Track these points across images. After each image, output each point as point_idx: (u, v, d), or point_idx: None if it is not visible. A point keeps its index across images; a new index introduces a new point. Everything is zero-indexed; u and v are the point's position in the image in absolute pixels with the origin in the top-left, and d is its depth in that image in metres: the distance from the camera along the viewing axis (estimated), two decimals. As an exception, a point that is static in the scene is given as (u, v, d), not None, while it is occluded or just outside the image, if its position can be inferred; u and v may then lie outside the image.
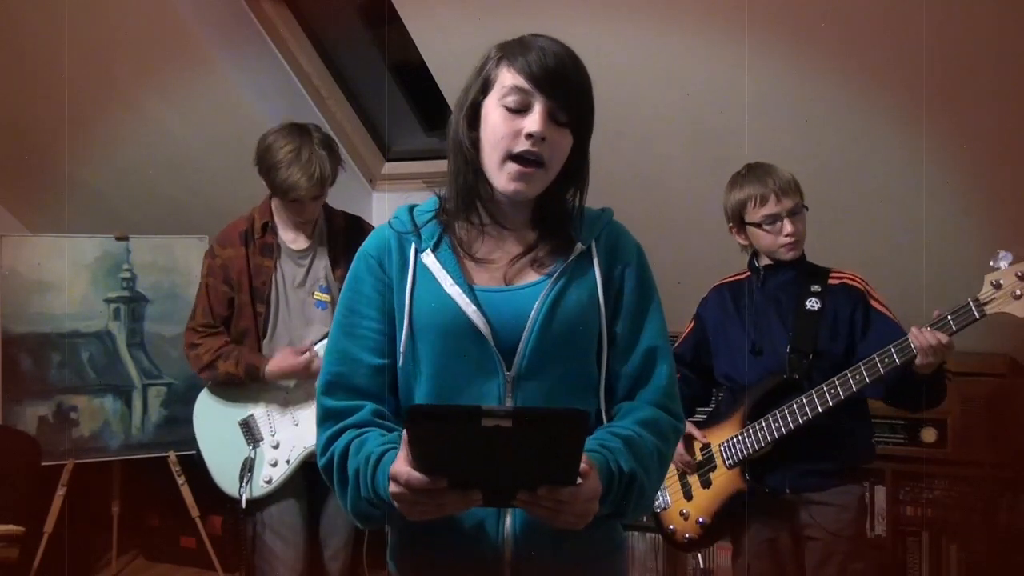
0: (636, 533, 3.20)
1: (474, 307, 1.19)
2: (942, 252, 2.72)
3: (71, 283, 3.34)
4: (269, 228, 2.40)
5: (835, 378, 1.97)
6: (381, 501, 1.12)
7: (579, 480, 1.04)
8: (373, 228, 2.56)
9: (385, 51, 3.42)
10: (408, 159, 3.71)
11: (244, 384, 2.39)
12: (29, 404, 3.25)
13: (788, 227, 2.06)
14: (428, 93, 3.15)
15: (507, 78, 1.18)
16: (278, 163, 2.27)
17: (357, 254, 1.29)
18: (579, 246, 1.24)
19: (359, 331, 1.25)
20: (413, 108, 3.58)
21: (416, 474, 1.02)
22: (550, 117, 1.17)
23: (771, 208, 2.06)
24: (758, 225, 2.08)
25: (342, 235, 2.45)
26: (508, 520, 1.19)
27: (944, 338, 1.83)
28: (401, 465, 1.03)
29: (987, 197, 2.60)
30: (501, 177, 1.19)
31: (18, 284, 3.28)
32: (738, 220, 2.13)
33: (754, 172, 2.12)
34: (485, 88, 1.21)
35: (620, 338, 1.26)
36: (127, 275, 3.41)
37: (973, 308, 1.84)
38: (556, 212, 1.26)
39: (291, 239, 2.42)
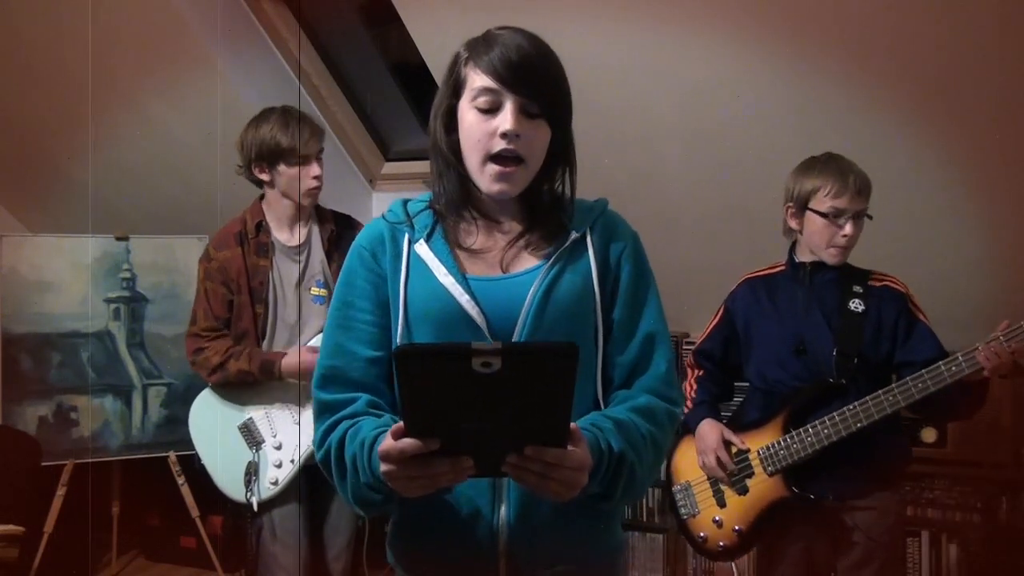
0: (636, 533, 3.20)
1: (468, 296, 1.19)
2: (942, 252, 2.72)
3: (71, 283, 3.34)
4: (263, 227, 2.41)
5: (894, 386, 1.91)
6: (381, 484, 1.10)
7: (569, 446, 1.02)
8: (363, 224, 2.59)
9: (385, 51, 3.42)
10: (408, 159, 3.71)
11: (257, 382, 2.37)
12: (29, 404, 3.24)
13: (849, 228, 1.97)
14: (428, 93, 3.15)
15: (475, 79, 1.19)
16: (275, 136, 2.33)
17: (351, 248, 1.29)
18: (573, 234, 1.24)
19: (353, 324, 1.25)
20: (413, 108, 3.57)
21: (406, 441, 0.99)
22: (522, 112, 1.18)
23: (844, 203, 1.97)
24: (824, 215, 1.99)
25: (333, 228, 2.47)
26: (503, 510, 1.18)
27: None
28: (388, 441, 1.02)
29: (988, 197, 2.60)
30: (484, 179, 1.21)
31: (18, 284, 3.28)
32: (801, 204, 2.03)
33: (836, 162, 2.02)
34: (457, 91, 1.22)
35: (618, 326, 1.25)
36: (127, 275, 3.41)
37: None
38: (546, 200, 1.27)
39: (285, 237, 2.43)
